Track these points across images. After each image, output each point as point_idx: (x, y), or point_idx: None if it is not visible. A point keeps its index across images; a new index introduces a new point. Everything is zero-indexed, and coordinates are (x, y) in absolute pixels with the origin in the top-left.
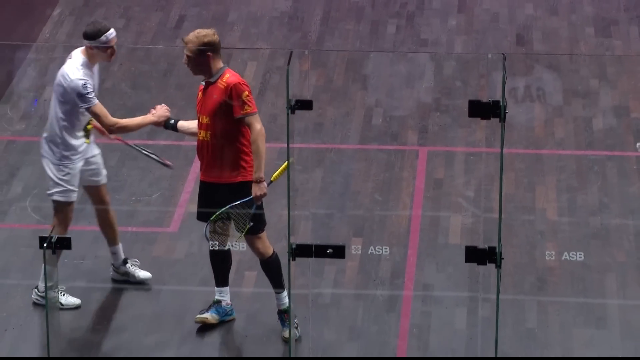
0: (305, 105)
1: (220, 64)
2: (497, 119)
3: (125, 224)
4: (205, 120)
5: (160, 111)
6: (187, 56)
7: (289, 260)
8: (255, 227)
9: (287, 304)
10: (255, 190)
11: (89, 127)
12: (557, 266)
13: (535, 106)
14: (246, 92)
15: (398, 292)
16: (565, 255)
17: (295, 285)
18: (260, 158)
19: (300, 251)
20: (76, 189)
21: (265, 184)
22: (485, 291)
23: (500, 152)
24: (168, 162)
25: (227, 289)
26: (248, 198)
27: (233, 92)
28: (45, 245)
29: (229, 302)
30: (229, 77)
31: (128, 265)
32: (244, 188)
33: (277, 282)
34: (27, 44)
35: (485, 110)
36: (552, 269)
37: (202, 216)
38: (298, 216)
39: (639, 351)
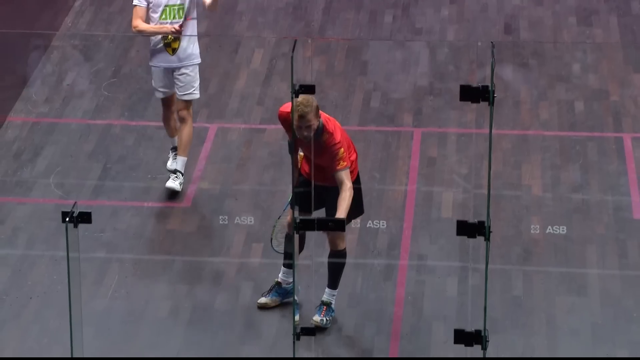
0: (308, 89)
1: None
2: (487, 103)
3: (141, 199)
4: (309, 155)
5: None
6: (310, 126)
7: (294, 233)
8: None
9: (331, 300)
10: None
11: (169, 38)
12: (542, 238)
13: (521, 90)
14: (341, 150)
15: (394, 262)
16: (549, 229)
17: (300, 257)
18: (346, 208)
19: (303, 224)
20: (159, 89)
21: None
22: (474, 262)
23: (489, 133)
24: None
25: (290, 271)
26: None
27: (330, 153)
28: (67, 219)
29: (289, 281)
30: (327, 137)
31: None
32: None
33: (334, 279)
34: (51, 32)
35: (475, 94)
36: (536, 241)
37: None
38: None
39: (617, 317)
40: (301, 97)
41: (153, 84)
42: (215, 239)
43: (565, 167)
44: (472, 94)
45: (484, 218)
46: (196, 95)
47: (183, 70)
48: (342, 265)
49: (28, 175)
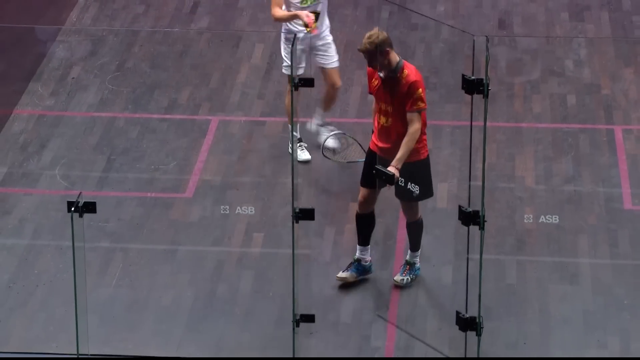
0: (307, 82)
1: (397, 58)
2: (481, 95)
3: (145, 190)
4: (386, 107)
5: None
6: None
7: (293, 222)
8: (417, 195)
9: (414, 261)
10: (392, 172)
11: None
12: (535, 228)
13: (515, 84)
14: (420, 90)
15: (390, 251)
16: (542, 219)
17: (299, 246)
18: (406, 151)
19: (303, 214)
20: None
21: (397, 173)
22: (469, 251)
23: (483, 125)
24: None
25: (369, 247)
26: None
27: (410, 89)
28: (72, 209)
29: (368, 259)
30: (408, 73)
31: (302, 143)
32: (418, 166)
33: (415, 244)
34: (56, 27)
35: (471, 86)
36: (530, 231)
37: (369, 182)
38: (301, 184)
39: (608, 305)
40: (372, 32)
41: (284, 65)
42: (217, 229)
43: (558, 159)
44: (468, 86)
45: (478, 208)
46: (336, 59)
47: (319, 42)
48: (420, 230)
49: (34, 167)
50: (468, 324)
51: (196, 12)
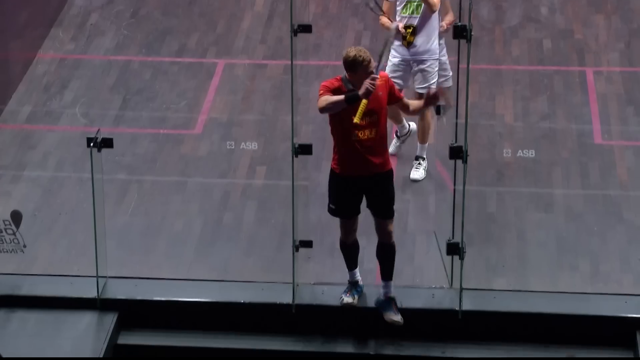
0: (305, 29)
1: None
2: (465, 40)
3: (157, 126)
4: (370, 120)
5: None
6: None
7: (292, 157)
8: (392, 211)
9: (394, 295)
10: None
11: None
12: (513, 162)
13: (496, 29)
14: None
15: None
16: (520, 153)
17: (298, 178)
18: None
19: (302, 149)
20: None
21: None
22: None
23: (466, 67)
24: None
25: (357, 268)
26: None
27: (390, 81)
28: (91, 144)
29: (359, 278)
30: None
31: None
32: (390, 175)
33: (388, 271)
34: None
35: (455, 32)
36: (508, 164)
37: (351, 212)
38: (300, 121)
39: (579, 230)
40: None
41: (387, 70)
42: (223, 163)
43: (535, 98)
44: (453, 32)
45: (462, 143)
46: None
47: (420, 66)
48: (394, 254)
49: (56, 106)
50: (453, 248)
51: None
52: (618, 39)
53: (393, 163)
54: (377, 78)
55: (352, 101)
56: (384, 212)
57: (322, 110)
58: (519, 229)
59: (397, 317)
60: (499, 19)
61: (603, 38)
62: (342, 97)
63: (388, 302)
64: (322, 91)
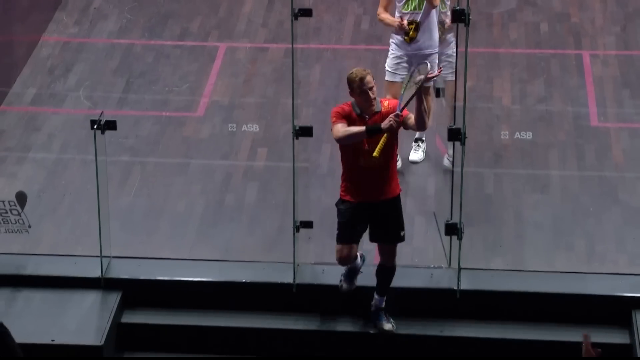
0: (306, 12)
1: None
2: (463, 24)
3: (160, 109)
4: (377, 146)
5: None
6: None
7: (293, 139)
8: (400, 237)
9: (383, 305)
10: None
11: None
12: (510, 144)
13: (494, 13)
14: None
15: None
16: (517, 135)
17: (299, 160)
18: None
19: (302, 132)
20: (391, 71)
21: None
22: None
23: (464, 51)
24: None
25: (358, 260)
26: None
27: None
28: (95, 126)
29: (359, 263)
30: (386, 101)
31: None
32: (399, 200)
33: (385, 288)
34: None
35: (454, 16)
36: (506, 146)
37: (350, 238)
38: (300, 104)
39: (575, 211)
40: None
41: (387, 65)
42: (225, 145)
43: (532, 81)
44: (452, 15)
45: (460, 126)
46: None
47: (421, 60)
48: (393, 276)
49: (61, 89)
50: (451, 229)
51: None
52: (614, 23)
53: None
54: (400, 116)
55: (372, 134)
56: (392, 238)
57: (340, 140)
58: (516, 210)
59: (389, 326)
60: (497, 2)
61: (599, 21)
62: (362, 128)
63: (379, 312)
64: (334, 118)
